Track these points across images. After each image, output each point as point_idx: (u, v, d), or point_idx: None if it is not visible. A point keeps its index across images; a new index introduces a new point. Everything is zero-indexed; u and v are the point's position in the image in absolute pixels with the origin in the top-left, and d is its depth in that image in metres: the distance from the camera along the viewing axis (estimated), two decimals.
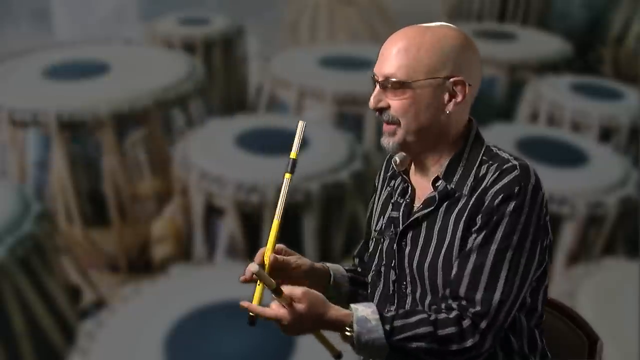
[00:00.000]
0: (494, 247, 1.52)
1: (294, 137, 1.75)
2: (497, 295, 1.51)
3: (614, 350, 3.72)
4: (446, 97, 1.59)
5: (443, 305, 1.56)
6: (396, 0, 11.35)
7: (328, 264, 1.80)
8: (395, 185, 1.76)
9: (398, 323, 1.51)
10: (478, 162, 1.62)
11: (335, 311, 1.52)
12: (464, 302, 1.53)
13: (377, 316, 1.50)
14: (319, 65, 7.65)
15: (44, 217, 4.93)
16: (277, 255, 1.67)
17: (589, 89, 7.40)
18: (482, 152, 1.64)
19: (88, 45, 8.25)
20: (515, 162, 1.57)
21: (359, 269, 1.87)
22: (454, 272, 1.55)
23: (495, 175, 1.56)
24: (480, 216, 1.54)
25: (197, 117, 6.80)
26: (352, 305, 1.53)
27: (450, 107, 1.59)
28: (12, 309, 4.54)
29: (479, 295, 1.52)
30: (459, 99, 1.59)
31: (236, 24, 9.33)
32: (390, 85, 1.59)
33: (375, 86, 1.64)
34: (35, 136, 6.35)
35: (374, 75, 1.64)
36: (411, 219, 1.65)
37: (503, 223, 1.52)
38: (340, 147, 5.83)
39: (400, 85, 1.58)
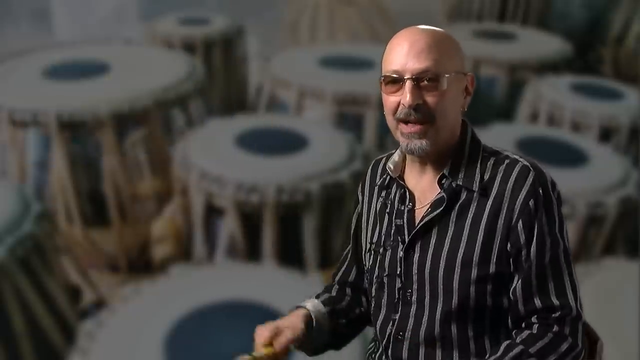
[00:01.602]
0: (548, 254, 1.55)
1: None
2: (570, 295, 1.55)
3: (614, 350, 3.71)
4: (464, 93, 1.61)
5: (523, 325, 1.57)
6: (396, 0, 11.35)
7: (307, 305, 1.78)
8: (391, 194, 1.71)
9: None
10: (480, 159, 1.62)
11: None
12: (543, 313, 1.55)
13: None
14: (319, 65, 7.65)
15: (44, 217, 4.93)
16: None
17: (589, 89, 7.40)
18: (481, 149, 1.64)
19: (88, 45, 8.25)
20: (526, 162, 1.59)
21: (334, 294, 1.86)
22: (520, 292, 1.56)
23: (512, 180, 1.57)
24: (519, 227, 1.55)
25: (197, 117, 6.80)
26: None
27: (466, 103, 1.62)
28: (12, 309, 4.54)
29: (555, 301, 1.54)
30: (470, 94, 1.63)
31: (236, 24, 9.33)
32: (428, 80, 1.55)
33: (402, 85, 1.56)
34: (35, 136, 6.35)
35: (393, 75, 1.58)
36: (421, 223, 1.62)
37: (545, 228, 1.55)
38: (340, 147, 5.83)
39: (436, 79, 1.54)
